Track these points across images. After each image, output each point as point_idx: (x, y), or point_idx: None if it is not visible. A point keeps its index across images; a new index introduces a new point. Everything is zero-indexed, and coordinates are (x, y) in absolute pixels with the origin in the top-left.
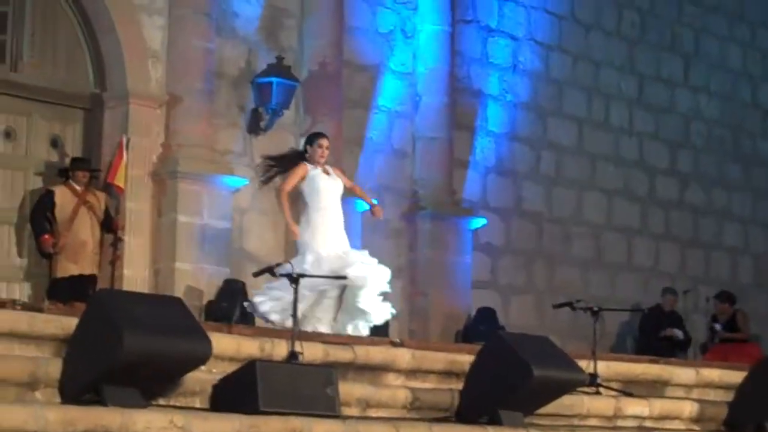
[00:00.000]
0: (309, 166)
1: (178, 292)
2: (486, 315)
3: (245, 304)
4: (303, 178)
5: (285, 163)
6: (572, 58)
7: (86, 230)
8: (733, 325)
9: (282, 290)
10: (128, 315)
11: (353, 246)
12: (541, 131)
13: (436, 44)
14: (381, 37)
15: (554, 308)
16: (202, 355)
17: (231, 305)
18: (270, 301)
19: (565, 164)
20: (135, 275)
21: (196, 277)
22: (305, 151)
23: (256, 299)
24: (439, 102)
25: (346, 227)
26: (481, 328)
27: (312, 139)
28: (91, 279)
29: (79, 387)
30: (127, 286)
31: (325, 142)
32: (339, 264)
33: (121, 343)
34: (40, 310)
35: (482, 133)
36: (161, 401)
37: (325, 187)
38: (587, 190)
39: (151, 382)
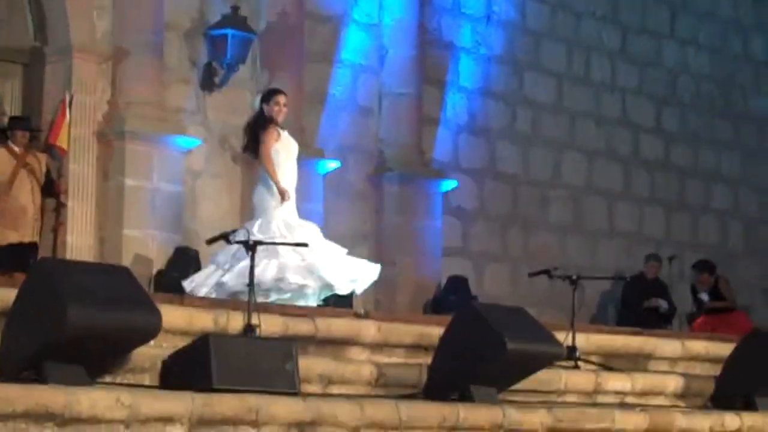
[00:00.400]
0: (278, 128)
1: (126, 262)
2: (457, 284)
3: (184, 285)
4: (277, 140)
5: (255, 128)
6: (550, 8)
7: (26, 195)
8: (717, 293)
9: (232, 259)
10: (72, 286)
11: (316, 212)
12: (517, 87)
13: None
14: None
15: (530, 277)
16: (151, 329)
17: (183, 275)
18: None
19: (543, 122)
20: (79, 243)
21: (145, 245)
22: (261, 110)
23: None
24: (407, 55)
25: (308, 190)
26: (451, 298)
27: (268, 96)
28: (32, 247)
29: (18, 364)
30: (70, 255)
31: (282, 99)
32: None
33: (65, 316)
34: None
35: (453, 88)
36: (107, 379)
37: (292, 150)
38: (566, 150)
39: (97, 359)
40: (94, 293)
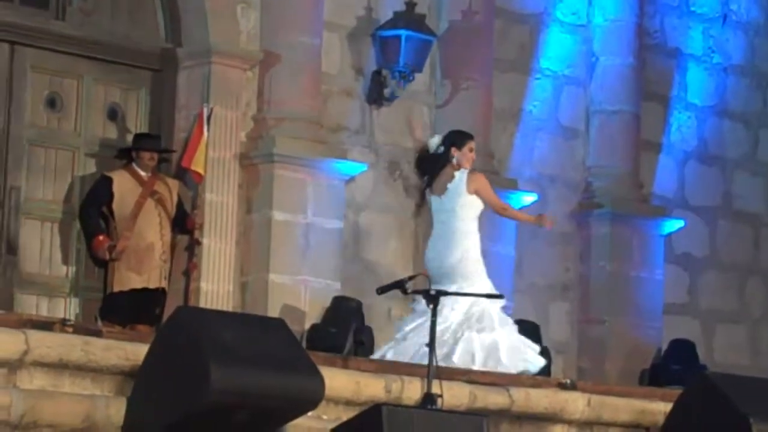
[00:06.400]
0: None
1: (272, 313)
2: (681, 350)
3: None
4: None
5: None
6: None
7: (153, 230)
8: None
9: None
10: (216, 342)
11: (506, 257)
12: (760, 104)
13: None
14: None
15: None
16: (312, 397)
17: (342, 331)
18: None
19: None
20: (216, 289)
21: (295, 294)
22: (448, 153)
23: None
24: (623, 64)
25: (496, 230)
26: (675, 366)
27: (460, 139)
28: (159, 294)
29: None
30: (204, 304)
31: (474, 144)
32: None
33: (207, 379)
34: (97, 334)
35: (680, 106)
36: None
37: None
38: None
39: (245, 431)
40: (242, 351)
